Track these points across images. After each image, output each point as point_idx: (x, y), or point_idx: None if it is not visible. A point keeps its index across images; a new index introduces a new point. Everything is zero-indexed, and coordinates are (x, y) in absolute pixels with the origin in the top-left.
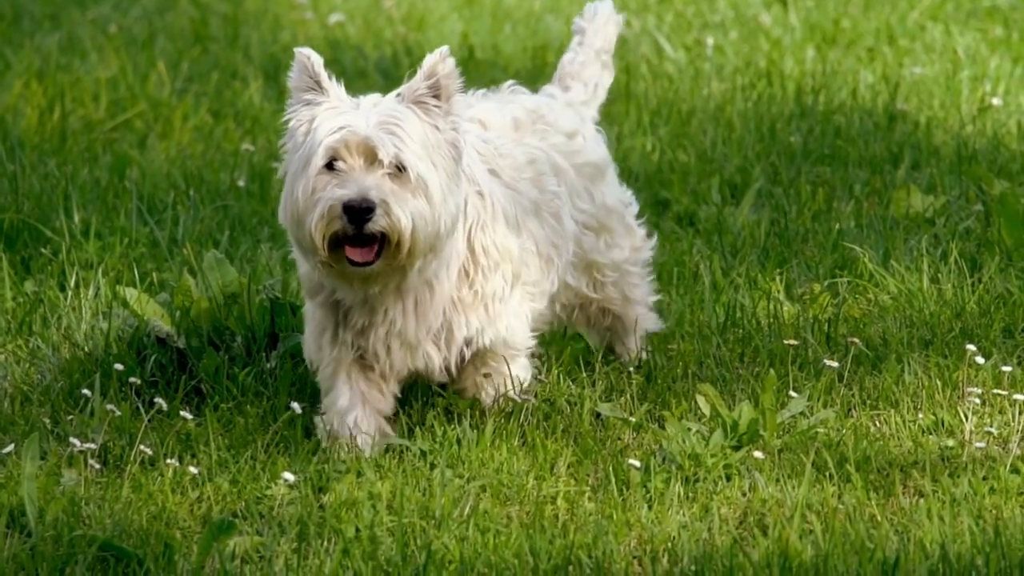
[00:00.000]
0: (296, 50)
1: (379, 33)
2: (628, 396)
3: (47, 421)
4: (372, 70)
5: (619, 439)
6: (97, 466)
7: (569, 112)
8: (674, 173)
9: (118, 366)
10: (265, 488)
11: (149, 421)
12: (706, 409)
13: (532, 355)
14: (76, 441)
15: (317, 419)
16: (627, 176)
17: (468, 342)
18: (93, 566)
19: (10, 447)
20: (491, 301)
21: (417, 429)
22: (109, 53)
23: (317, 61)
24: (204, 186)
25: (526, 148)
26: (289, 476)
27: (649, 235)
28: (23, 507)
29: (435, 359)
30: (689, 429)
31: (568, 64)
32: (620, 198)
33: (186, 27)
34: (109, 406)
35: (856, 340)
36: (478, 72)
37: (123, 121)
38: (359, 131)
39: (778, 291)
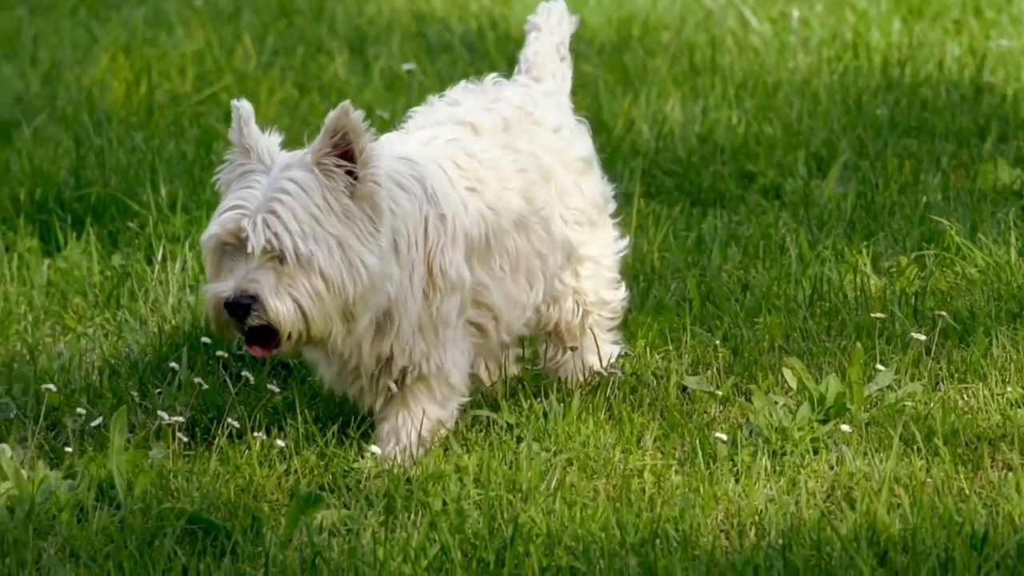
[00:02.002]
0: (232, 102)
1: (464, 6)
2: (715, 369)
3: (135, 394)
4: (457, 44)
5: (706, 412)
6: (185, 439)
7: (551, 104)
8: (760, 146)
9: (205, 339)
10: (352, 461)
11: (236, 394)
12: (793, 382)
13: (460, 409)
14: (164, 414)
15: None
16: (712, 149)
17: (411, 367)
18: (181, 539)
19: (98, 420)
20: (445, 324)
21: (503, 402)
22: (195, 27)
23: (245, 114)
24: None
25: (516, 157)
26: (376, 449)
27: (620, 237)
28: (112, 480)
29: (372, 391)
30: (776, 402)
31: (532, 56)
32: (603, 192)
33: (271, 0)
34: (196, 379)
35: (943, 313)
36: None
37: (209, 94)
38: (236, 218)
39: (865, 264)
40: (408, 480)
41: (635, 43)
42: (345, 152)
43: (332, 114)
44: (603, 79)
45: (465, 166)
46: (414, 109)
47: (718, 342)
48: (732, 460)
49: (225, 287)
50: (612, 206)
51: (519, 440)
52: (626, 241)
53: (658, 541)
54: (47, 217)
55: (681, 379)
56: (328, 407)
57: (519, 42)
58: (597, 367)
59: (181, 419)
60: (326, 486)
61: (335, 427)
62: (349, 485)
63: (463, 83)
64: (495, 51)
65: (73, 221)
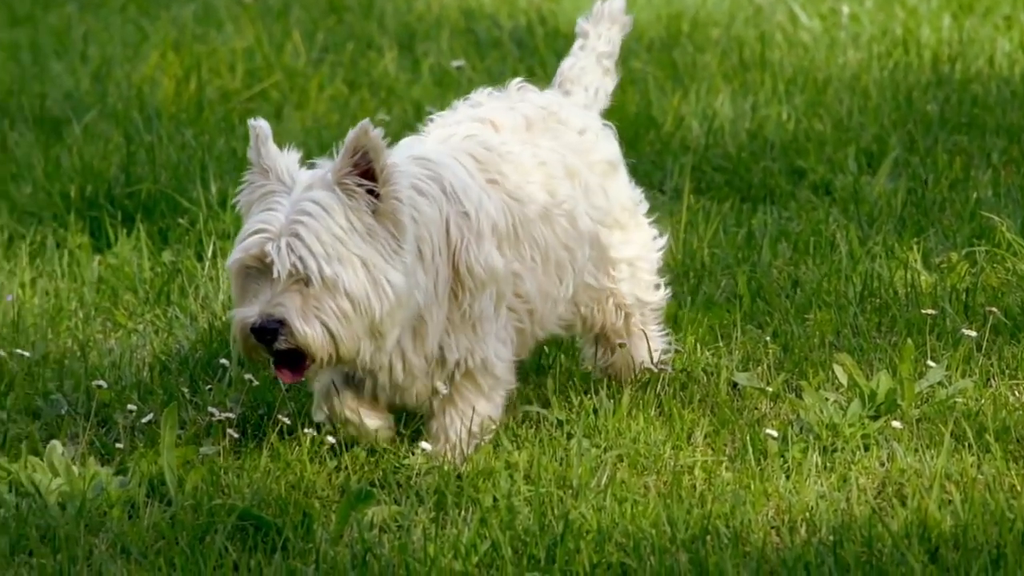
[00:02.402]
0: (249, 121)
1: (514, 2)
2: (765, 366)
3: (185, 391)
4: (507, 40)
5: (756, 409)
6: (236, 435)
7: (577, 109)
8: (810, 142)
9: None
10: (403, 457)
11: (287, 390)
12: (844, 379)
13: (509, 395)
14: (215, 410)
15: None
16: (762, 145)
17: (458, 364)
18: (232, 535)
19: (149, 416)
20: (479, 321)
21: (554, 398)
22: (245, 23)
23: (263, 134)
24: None
25: (536, 150)
26: (426, 445)
27: (659, 236)
28: (163, 476)
29: (428, 388)
30: (827, 399)
31: (567, 69)
32: (631, 195)
33: None
34: (247, 375)
35: (994, 309)
36: None
37: (259, 91)
38: (260, 242)
39: (915, 260)
40: (459, 476)
41: (684, 39)
42: (366, 171)
43: (352, 133)
44: (653, 75)
45: (483, 159)
46: (438, 113)
47: (768, 338)
48: (783, 456)
49: (251, 312)
50: (644, 208)
51: (569, 436)
52: (664, 241)
53: (709, 537)
54: (98, 213)
55: (731, 375)
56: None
57: (569, 38)
58: (647, 363)
59: (232, 415)
60: (377, 482)
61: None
62: (400, 481)
63: (487, 90)
64: (544, 47)
65: (123, 217)
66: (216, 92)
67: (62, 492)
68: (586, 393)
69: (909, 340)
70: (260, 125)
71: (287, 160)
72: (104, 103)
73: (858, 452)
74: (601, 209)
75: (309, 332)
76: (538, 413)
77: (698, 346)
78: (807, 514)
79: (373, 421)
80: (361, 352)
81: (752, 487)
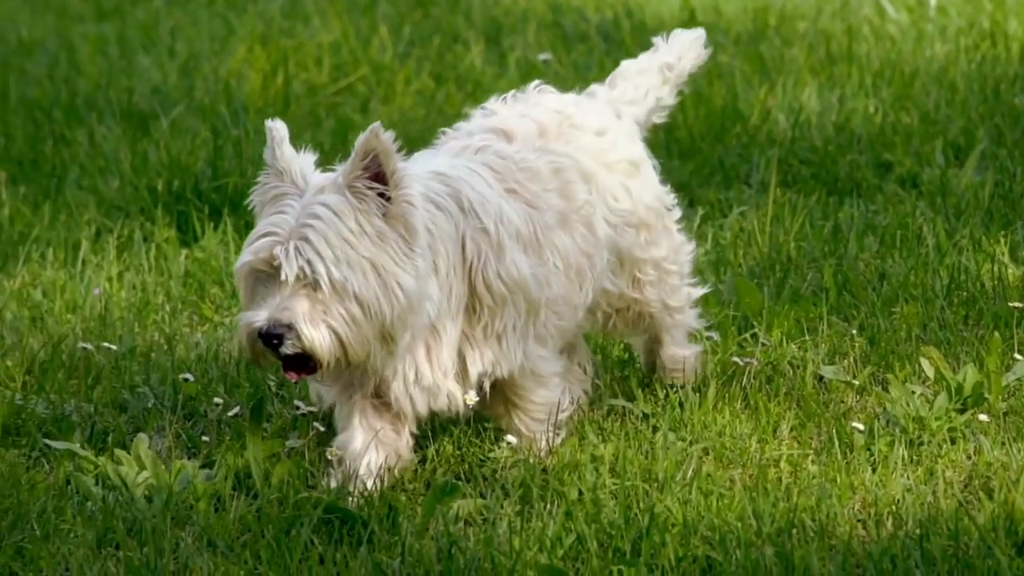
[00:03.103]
0: (266, 123)
1: None
2: (851, 359)
3: (272, 384)
4: (593, 33)
5: (842, 402)
6: (322, 428)
7: (601, 108)
8: (897, 135)
9: None
10: (488, 451)
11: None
12: (930, 372)
13: (560, 376)
14: (300, 404)
15: (331, 452)
16: (849, 138)
17: (483, 376)
18: (318, 528)
19: (236, 410)
20: (504, 334)
21: (639, 392)
22: (331, 17)
23: (279, 135)
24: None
25: (551, 158)
26: (511, 439)
27: (688, 241)
28: (249, 469)
29: (457, 396)
30: (913, 392)
31: (625, 67)
32: (660, 197)
33: None
34: None
35: None
36: None
37: (346, 85)
38: (269, 245)
39: (1003, 253)
40: (544, 470)
41: (771, 32)
42: (377, 174)
43: (362, 136)
44: (740, 69)
45: (500, 168)
46: (458, 124)
47: (855, 331)
48: (869, 450)
49: (259, 316)
50: (676, 212)
51: (655, 430)
52: (693, 246)
53: (795, 531)
54: (184, 207)
55: (818, 368)
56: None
57: (655, 31)
58: (683, 355)
59: (317, 409)
60: (462, 475)
61: (470, 416)
62: (485, 475)
63: (510, 94)
64: (631, 41)
65: (210, 211)
66: (303, 86)
67: (149, 485)
68: (671, 386)
69: (996, 333)
70: (276, 126)
71: (302, 162)
72: (191, 97)
73: (944, 445)
74: (623, 210)
75: (316, 337)
76: (624, 407)
77: (784, 339)
78: (893, 507)
79: (389, 456)
80: (372, 356)
81: (838, 480)
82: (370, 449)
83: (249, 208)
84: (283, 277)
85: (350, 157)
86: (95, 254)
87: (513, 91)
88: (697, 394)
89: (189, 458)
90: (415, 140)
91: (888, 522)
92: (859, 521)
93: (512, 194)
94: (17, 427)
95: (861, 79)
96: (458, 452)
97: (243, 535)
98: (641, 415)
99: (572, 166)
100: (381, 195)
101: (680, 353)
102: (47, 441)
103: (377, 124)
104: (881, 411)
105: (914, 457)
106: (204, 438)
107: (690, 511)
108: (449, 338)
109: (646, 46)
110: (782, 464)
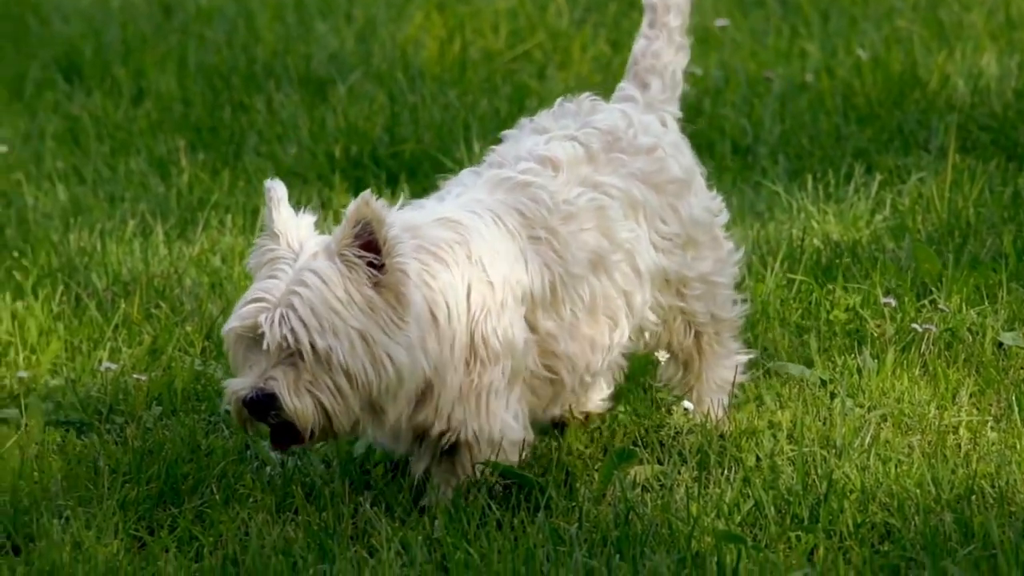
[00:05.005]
0: (265, 183)
1: None
2: None
3: None
4: None
5: (1022, 368)
6: None
7: (648, 121)
8: None
9: None
10: (665, 416)
11: None
12: None
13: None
14: None
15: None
16: None
17: (443, 435)
18: (495, 494)
19: None
20: (484, 393)
21: (817, 358)
22: None
23: (277, 196)
24: None
25: (594, 195)
26: (689, 405)
27: (736, 249)
28: None
29: (424, 454)
30: None
31: (641, 56)
32: (708, 207)
33: None
34: None
35: None
36: None
37: (522, 52)
38: (255, 312)
39: None
40: (721, 436)
41: None
42: (368, 242)
43: (352, 204)
44: (918, 34)
45: (531, 214)
46: (505, 132)
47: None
48: None
49: (243, 384)
50: (723, 217)
51: (832, 396)
52: (740, 253)
53: (973, 497)
54: (362, 173)
55: (997, 335)
56: (641, 364)
57: None
58: (722, 380)
59: None
60: (639, 441)
61: (645, 382)
62: (662, 440)
63: (559, 100)
64: (808, 5)
65: (388, 178)
66: (479, 52)
67: (326, 451)
68: (850, 352)
69: None
70: (275, 187)
71: (298, 225)
72: (368, 64)
73: None
74: (671, 233)
75: (299, 407)
76: (801, 373)
77: (963, 305)
78: None
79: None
80: (361, 426)
81: (1018, 447)
82: None
83: (247, 271)
84: (264, 346)
85: (340, 224)
86: None
87: (562, 98)
88: (875, 360)
89: None
90: None
91: None
92: None
93: (536, 242)
94: (197, 393)
95: None
96: (635, 418)
97: (420, 500)
98: (819, 381)
99: (618, 200)
100: (372, 264)
101: (719, 374)
102: (226, 407)
103: (367, 192)
104: None
105: None
106: None
107: (868, 477)
108: (449, 389)
109: (823, 10)
110: (961, 431)
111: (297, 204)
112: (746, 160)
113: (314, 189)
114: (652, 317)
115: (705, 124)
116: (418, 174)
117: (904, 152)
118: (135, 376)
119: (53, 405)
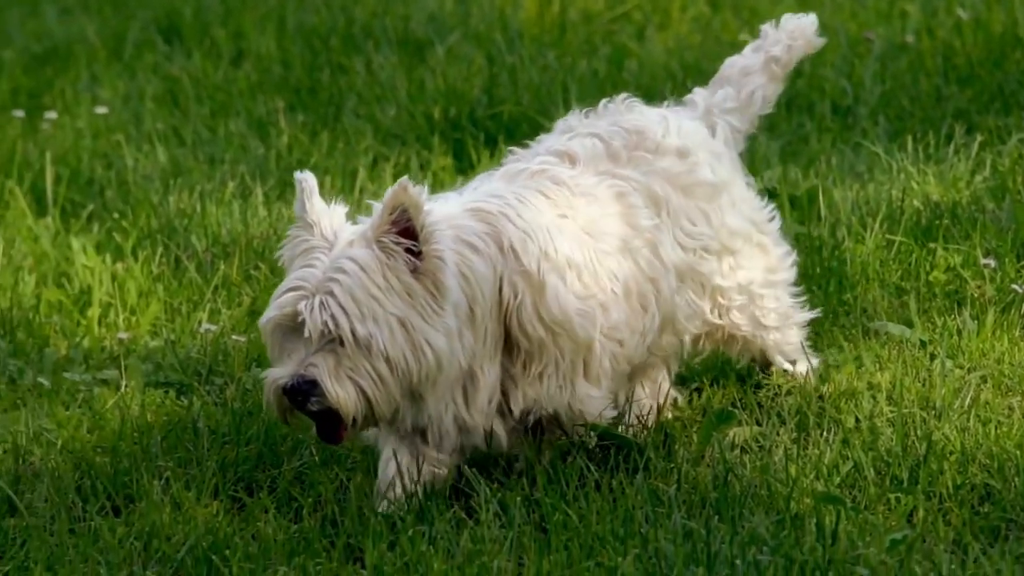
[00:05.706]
0: (295, 175)
1: None
2: None
3: None
4: None
5: None
6: None
7: (688, 125)
8: None
9: None
10: (764, 378)
11: None
12: None
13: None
14: None
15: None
16: None
17: (526, 413)
18: (593, 455)
19: None
20: (545, 373)
21: (917, 319)
22: None
23: (309, 187)
24: (702, 77)
25: (613, 182)
26: (788, 366)
27: (788, 254)
28: None
29: (501, 433)
30: None
31: (729, 67)
32: (749, 217)
33: None
34: None
35: None
36: None
37: (622, 13)
38: (294, 300)
39: None
40: (820, 397)
41: None
42: (406, 229)
43: (390, 191)
44: None
45: (553, 195)
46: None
47: None
48: None
49: (283, 373)
50: (773, 225)
51: (932, 357)
52: (793, 258)
53: None
54: (460, 135)
55: None
56: None
57: None
58: (784, 365)
59: None
60: (737, 403)
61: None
62: (761, 402)
63: (602, 102)
64: None
65: (486, 139)
66: (578, 14)
67: None
68: (949, 313)
69: None
70: (306, 178)
71: (332, 215)
72: (467, 25)
73: None
74: (700, 234)
75: (342, 394)
76: (901, 333)
77: None
78: None
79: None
80: (400, 413)
81: None
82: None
83: (278, 263)
84: (306, 333)
85: (378, 211)
86: (372, 182)
87: (605, 101)
88: (975, 321)
89: None
90: (691, 68)
91: None
92: None
93: (565, 220)
94: None
95: None
96: (735, 381)
97: (517, 462)
98: (918, 342)
99: (638, 191)
100: (410, 251)
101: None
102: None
103: (404, 179)
104: None
105: None
106: None
107: (968, 439)
108: (487, 381)
109: None
110: None
111: (395, 167)
112: (846, 121)
113: (412, 151)
114: (687, 308)
115: (805, 84)
116: (516, 135)
117: (1005, 112)
118: (234, 337)
119: (153, 366)
